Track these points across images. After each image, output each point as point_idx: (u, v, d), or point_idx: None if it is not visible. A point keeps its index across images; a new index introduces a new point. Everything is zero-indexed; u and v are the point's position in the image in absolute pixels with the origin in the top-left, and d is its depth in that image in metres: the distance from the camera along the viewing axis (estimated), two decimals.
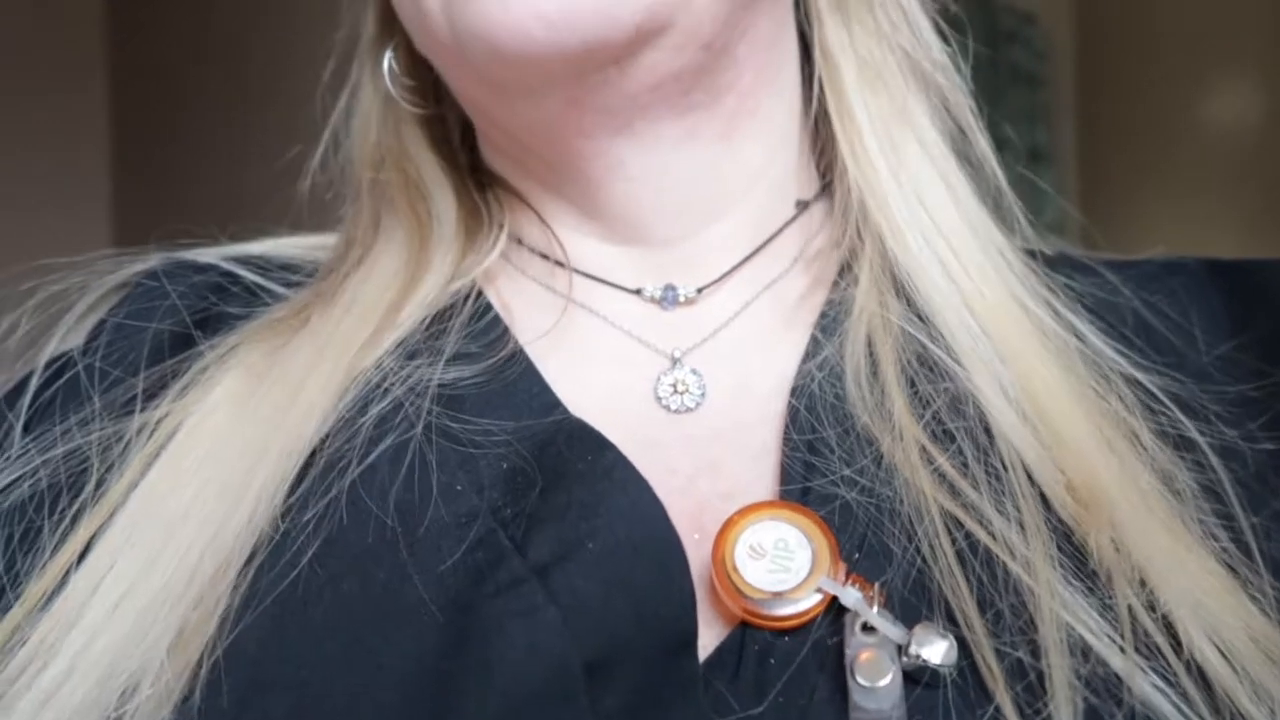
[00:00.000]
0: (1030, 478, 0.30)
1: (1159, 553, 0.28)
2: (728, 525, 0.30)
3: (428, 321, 0.35)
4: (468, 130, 0.40)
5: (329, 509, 0.30)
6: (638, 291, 0.37)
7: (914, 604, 0.28)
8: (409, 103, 0.38)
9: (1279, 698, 0.26)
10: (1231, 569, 0.29)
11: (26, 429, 0.35)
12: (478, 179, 0.39)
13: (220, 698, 0.27)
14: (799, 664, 0.28)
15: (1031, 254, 0.38)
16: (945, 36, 0.38)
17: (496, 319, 0.36)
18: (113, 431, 0.33)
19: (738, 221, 0.37)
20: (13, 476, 0.33)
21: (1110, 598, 0.28)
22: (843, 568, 0.29)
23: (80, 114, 2.11)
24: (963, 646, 0.27)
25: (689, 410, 0.34)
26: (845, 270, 0.36)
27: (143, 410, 0.33)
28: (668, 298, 0.36)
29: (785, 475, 0.31)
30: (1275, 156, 1.76)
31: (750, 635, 0.28)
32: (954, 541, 0.29)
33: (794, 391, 0.33)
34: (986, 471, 0.30)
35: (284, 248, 0.41)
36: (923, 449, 0.30)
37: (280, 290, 0.38)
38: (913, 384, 0.32)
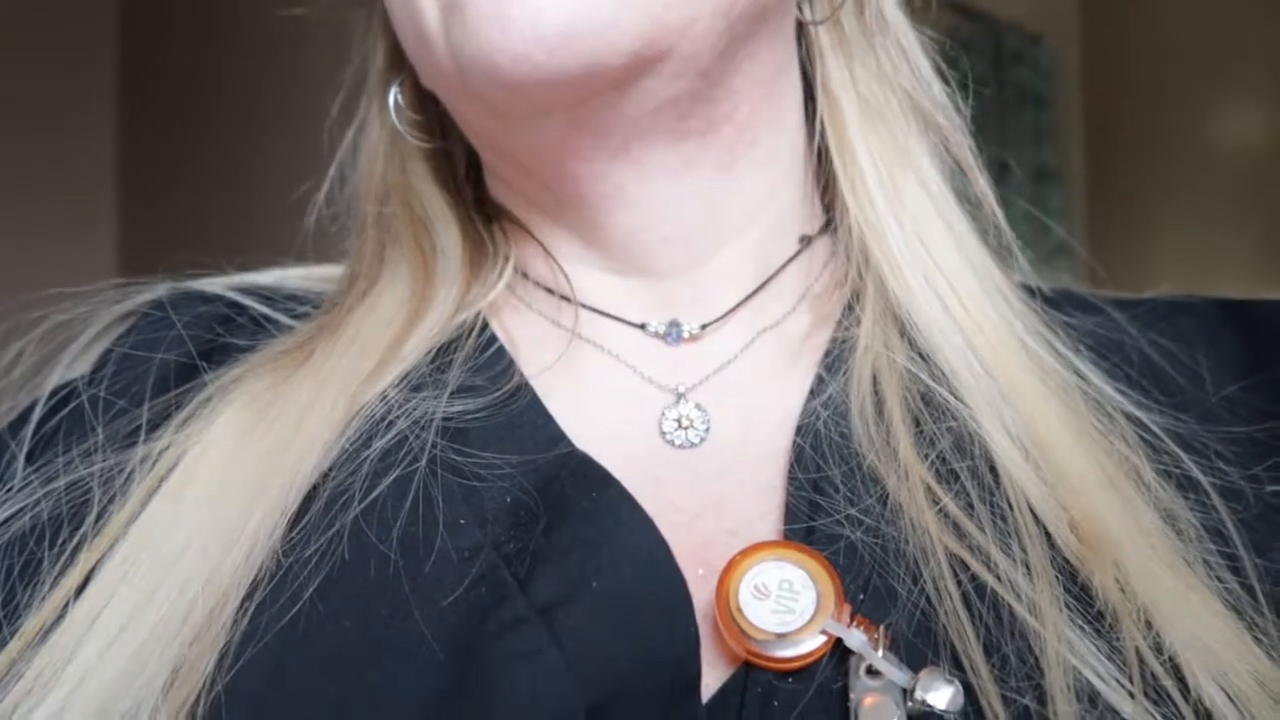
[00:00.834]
0: (1035, 517, 0.30)
1: (1163, 593, 0.28)
2: (732, 565, 0.30)
3: (433, 354, 0.35)
4: (473, 164, 0.41)
5: (331, 544, 0.30)
6: (642, 326, 0.37)
7: (919, 647, 0.28)
8: (415, 137, 0.38)
9: None
10: (1236, 610, 0.28)
11: (29, 459, 0.35)
12: (483, 212, 0.40)
13: None
14: (803, 708, 0.27)
15: (1031, 291, 0.38)
16: (945, 76, 0.38)
17: (502, 352, 0.36)
18: (115, 462, 0.33)
19: (740, 255, 0.37)
20: (15, 508, 0.33)
21: (1117, 640, 0.27)
22: (847, 609, 0.29)
23: (89, 145, 2.14)
24: (968, 691, 0.27)
25: (693, 446, 0.34)
26: (849, 309, 0.36)
27: (146, 441, 0.33)
28: (672, 334, 0.36)
29: (790, 514, 0.31)
30: None
31: (754, 676, 0.28)
32: (960, 584, 0.28)
33: (799, 429, 0.33)
34: (992, 511, 0.30)
35: (291, 279, 0.41)
36: (928, 489, 0.30)
37: (287, 321, 0.39)
38: (917, 423, 0.32)
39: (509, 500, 0.32)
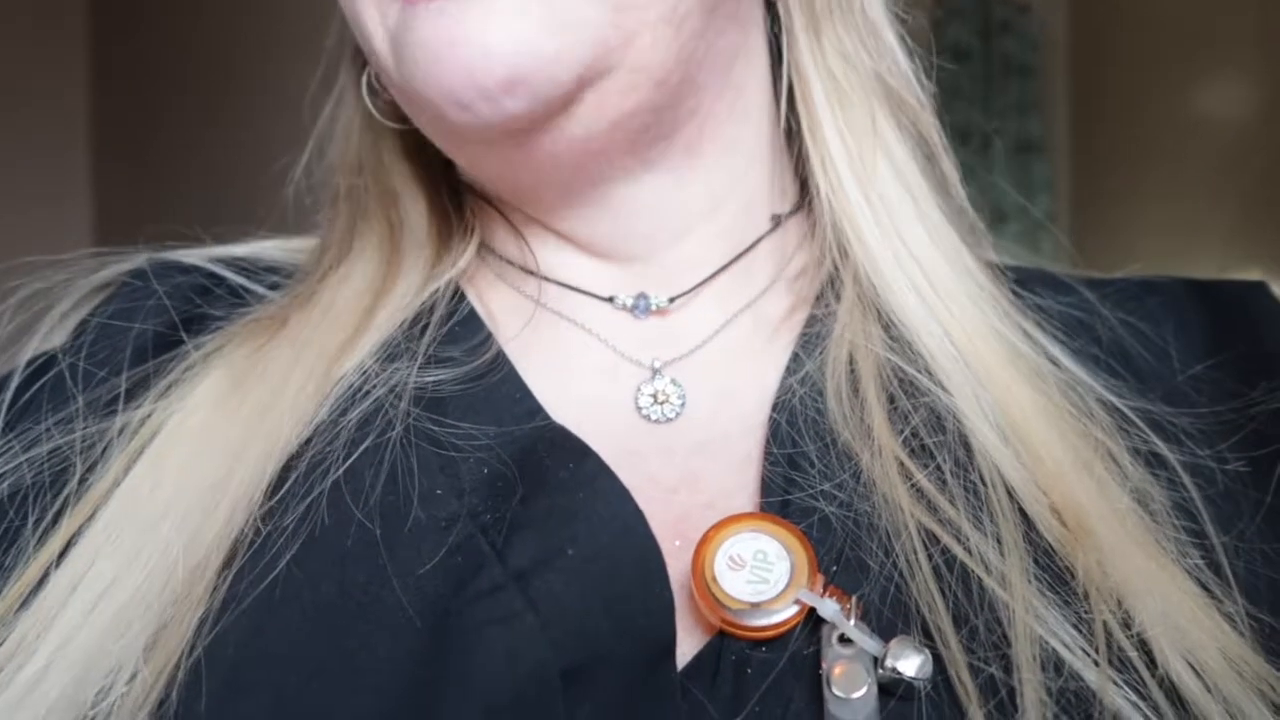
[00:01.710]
0: (1010, 494, 0.30)
1: (1135, 573, 0.28)
2: (708, 536, 0.30)
3: (408, 324, 0.35)
4: None
5: (309, 511, 0.31)
6: (610, 300, 0.37)
7: (890, 618, 0.28)
8: (387, 117, 0.38)
9: (1252, 715, 0.26)
10: (1205, 588, 0.29)
11: (8, 428, 0.35)
12: (453, 184, 0.40)
13: (197, 700, 0.27)
14: (776, 675, 0.28)
15: (1002, 271, 0.38)
16: (913, 53, 0.38)
17: (479, 323, 0.36)
18: (95, 430, 0.33)
19: (707, 238, 0.37)
20: None
21: (1086, 613, 0.28)
22: (821, 580, 0.29)
23: (64, 113, 2.10)
24: (938, 661, 0.27)
25: (669, 421, 0.34)
26: (826, 290, 0.37)
27: (125, 410, 0.33)
28: (640, 306, 0.37)
29: (766, 487, 0.32)
30: (1265, 151, 1.77)
31: (728, 645, 0.29)
32: (930, 557, 0.29)
33: (775, 406, 0.34)
34: (965, 487, 0.30)
35: (268, 250, 0.41)
36: (901, 464, 0.31)
37: (264, 292, 0.39)
38: (892, 400, 0.33)
39: (486, 472, 0.32)
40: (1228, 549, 0.30)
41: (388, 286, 0.36)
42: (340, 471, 0.31)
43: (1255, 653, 0.27)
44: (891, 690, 0.27)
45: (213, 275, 0.39)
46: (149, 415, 0.33)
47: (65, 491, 0.32)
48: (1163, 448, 0.32)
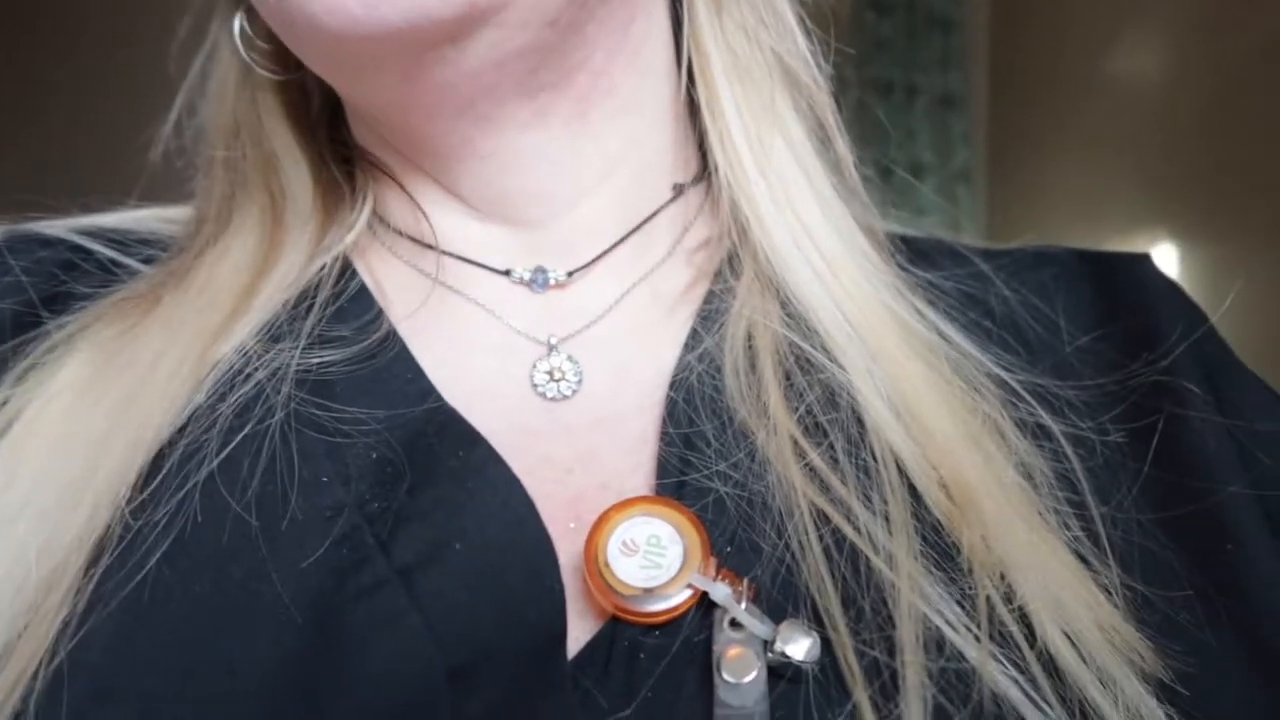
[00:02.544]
0: (900, 470, 0.30)
1: (1018, 547, 0.29)
2: (600, 521, 0.30)
3: (293, 302, 0.34)
4: (329, 100, 0.38)
5: (182, 505, 0.29)
6: (507, 273, 0.36)
7: (781, 601, 0.28)
8: (265, 69, 0.36)
9: (1122, 684, 0.27)
10: (1083, 559, 0.30)
11: None
12: (341, 152, 0.38)
13: (57, 711, 0.25)
14: (669, 660, 0.28)
15: (903, 241, 0.38)
16: (810, 33, 0.37)
17: (369, 299, 0.35)
18: None
19: (605, 203, 0.36)
20: None
21: (970, 589, 0.28)
22: (713, 563, 0.29)
23: None
24: (826, 643, 0.27)
25: (565, 398, 0.34)
26: (726, 264, 0.36)
27: None
28: (538, 280, 0.36)
29: (661, 468, 0.31)
30: (1177, 113, 1.81)
31: (620, 631, 0.28)
32: (821, 537, 0.29)
33: (673, 383, 0.33)
34: (856, 465, 0.30)
35: (143, 220, 0.38)
36: (795, 443, 0.31)
37: (138, 267, 0.36)
38: (789, 377, 0.32)
39: (374, 457, 0.31)
40: (1106, 519, 0.31)
41: (270, 262, 0.34)
42: (216, 461, 0.30)
43: (1127, 622, 0.28)
44: (781, 673, 0.27)
45: (79, 249, 0.36)
46: (4, 403, 0.31)
47: None
48: (1048, 419, 0.32)
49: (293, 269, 0.34)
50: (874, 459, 0.31)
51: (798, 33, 0.37)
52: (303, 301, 0.34)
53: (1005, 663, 0.27)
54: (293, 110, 0.37)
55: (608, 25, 0.33)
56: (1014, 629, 0.28)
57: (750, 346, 0.33)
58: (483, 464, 0.30)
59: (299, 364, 0.32)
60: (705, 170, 0.38)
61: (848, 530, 0.29)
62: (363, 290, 0.35)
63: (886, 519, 0.29)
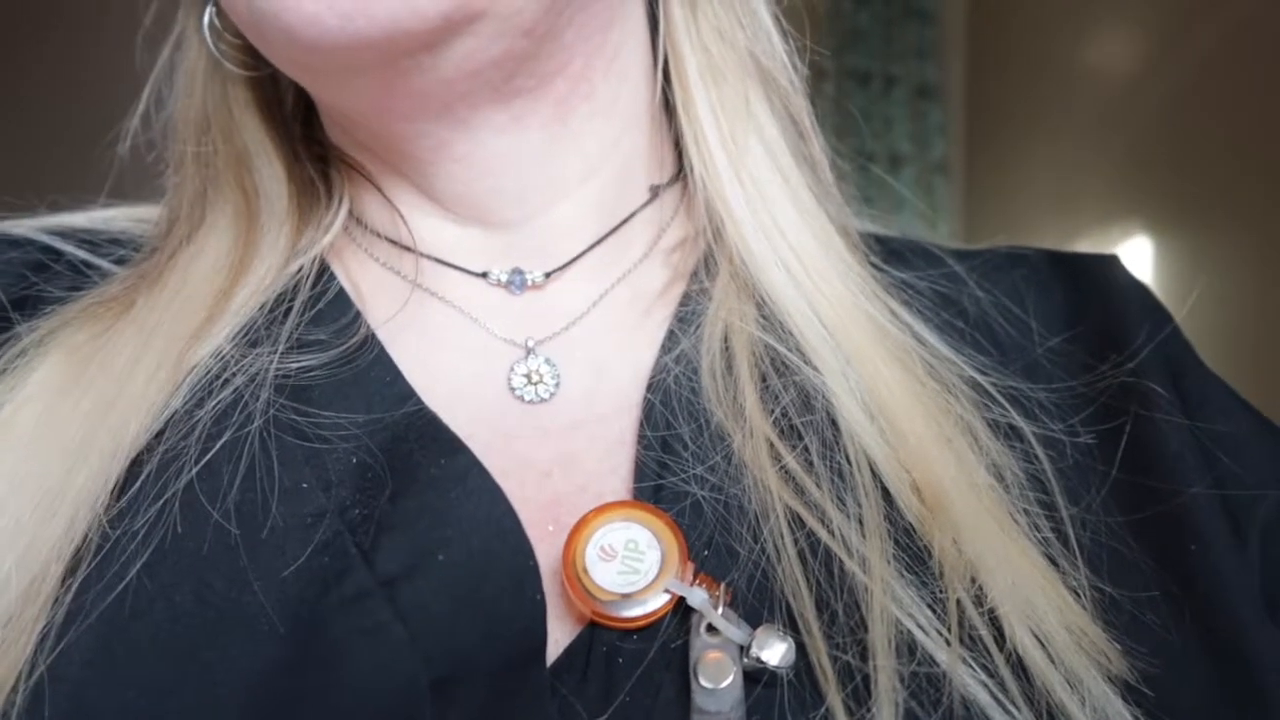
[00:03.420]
0: (874, 474, 0.31)
1: (989, 550, 0.29)
2: (579, 527, 0.30)
3: (269, 305, 0.33)
4: (302, 95, 0.37)
5: (162, 514, 0.29)
6: (484, 275, 0.36)
7: (756, 605, 0.29)
8: (235, 63, 0.35)
9: (1089, 685, 0.28)
10: (1052, 560, 0.30)
11: None
12: (315, 150, 0.37)
13: None
14: (646, 665, 0.28)
15: (876, 241, 0.39)
16: (786, 34, 0.37)
17: (346, 302, 0.35)
18: None
19: (582, 205, 0.36)
20: None
21: (941, 592, 0.29)
22: (691, 567, 0.29)
23: None
24: (801, 647, 0.27)
25: (543, 401, 0.34)
26: (703, 265, 0.36)
27: None
28: (515, 282, 0.35)
29: (639, 472, 0.31)
30: (1153, 105, 1.83)
31: (599, 636, 0.28)
32: (796, 541, 0.29)
33: (650, 385, 0.33)
34: (830, 468, 0.31)
35: (113, 220, 0.38)
36: (771, 446, 0.31)
37: (110, 268, 0.36)
38: (764, 379, 0.33)
39: (354, 462, 0.31)
40: (1075, 520, 0.31)
41: (245, 264, 0.34)
42: (196, 469, 0.29)
43: (1095, 624, 0.29)
44: (757, 678, 0.27)
45: (49, 249, 0.36)
46: None
47: None
48: (1020, 420, 0.33)
49: (269, 271, 0.33)
50: (848, 462, 0.31)
51: (774, 33, 0.37)
52: (279, 304, 0.33)
53: (975, 666, 0.28)
54: (265, 105, 0.36)
55: (586, 31, 0.33)
56: (984, 632, 0.28)
57: (727, 348, 0.33)
58: (465, 472, 0.30)
59: (277, 369, 0.32)
60: (681, 170, 0.38)
61: (822, 534, 0.29)
62: (340, 293, 0.35)
63: (860, 522, 0.29)
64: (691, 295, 0.35)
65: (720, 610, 0.28)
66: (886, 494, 0.30)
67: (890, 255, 0.38)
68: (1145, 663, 0.28)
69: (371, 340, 0.34)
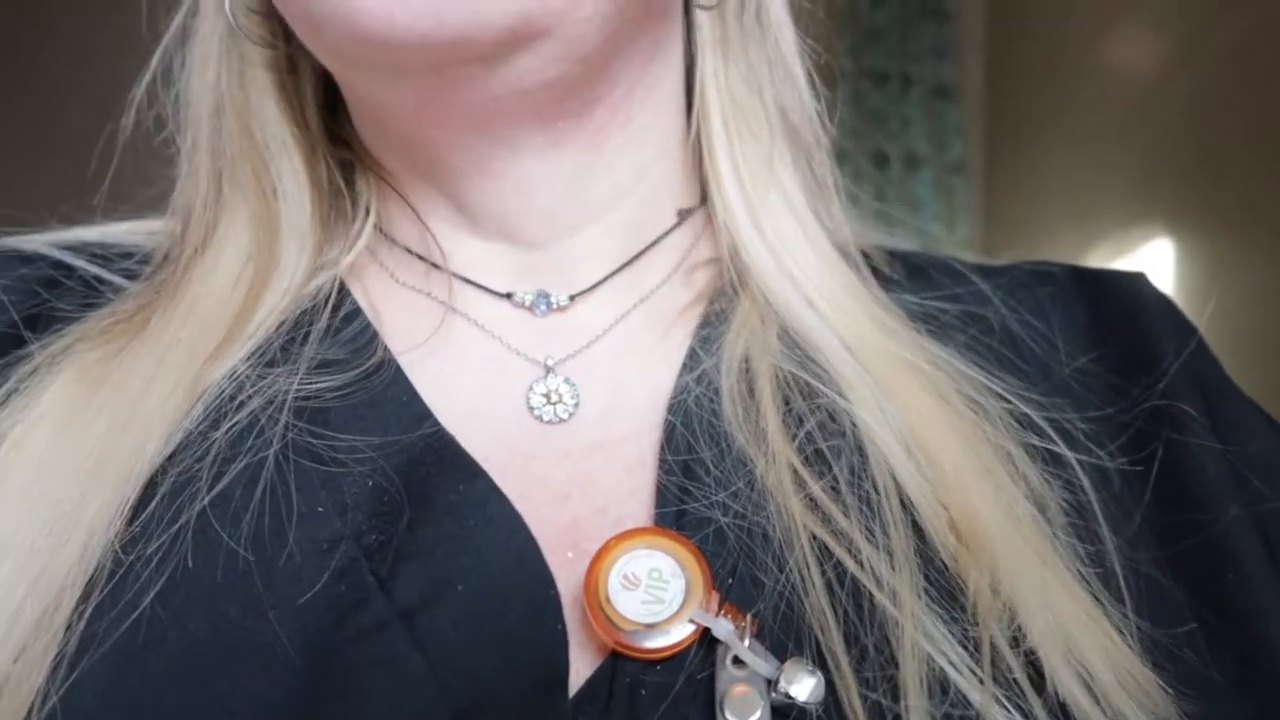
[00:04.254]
0: (904, 504, 0.30)
1: (1029, 587, 0.28)
2: (601, 554, 0.29)
3: (286, 325, 0.32)
4: (327, 84, 0.36)
5: (176, 540, 0.28)
6: (508, 296, 0.35)
7: (782, 637, 0.28)
8: (255, 38, 0.33)
9: None
10: (1095, 597, 0.29)
11: None
12: (337, 149, 0.36)
13: None
14: (671, 698, 0.27)
15: (895, 260, 0.38)
16: (817, 88, 0.37)
17: (365, 324, 0.34)
18: None
19: (610, 229, 0.35)
20: None
21: (975, 628, 0.28)
22: (716, 597, 0.28)
23: None
24: (829, 683, 0.27)
25: (562, 421, 0.33)
26: (724, 288, 0.36)
27: None
28: (540, 304, 0.35)
29: (661, 497, 0.30)
30: (1173, 105, 1.80)
31: (621, 666, 0.28)
32: (824, 571, 0.28)
33: (670, 407, 0.32)
34: (858, 496, 0.30)
35: (126, 234, 0.37)
36: (794, 472, 0.30)
37: (122, 283, 0.35)
38: (787, 402, 0.32)
39: (370, 485, 0.30)
40: (1118, 550, 0.30)
41: (264, 280, 0.33)
42: (210, 494, 0.29)
43: (1141, 664, 0.28)
44: (785, 713, 0.27)
45: (61, 264, 0.35)
46: None
47: None
48: (1061, 447, 0.32)
49: (290, 291, 0.33)
50: (876, 491, 0.30)
51: (805, 89, 0.37)
52: (298, 324, 0.33)
53: (1010, 708, 0.26)
54: (285, 92, 0.35)
55: (632, 63, 0.33)
56: (1020, 675, 0.27)
57: (748, 370, 0.33)
58: (484, 498, 0.29)
59: (295, 390, 0.31)
60: (704, 196, 0.37)
61: (850, 564, 0.28)
62: (358, 311, 0.34)
63: (889, 553, 0.28)
64: (712, 316, 0.35)
65: (747, 642, 0.27)
66: (917, 526, 0.29)
67: (913, 272, 0.38)
68: (1192, 705, 0.27)
69: (389, 360, 0.33)
